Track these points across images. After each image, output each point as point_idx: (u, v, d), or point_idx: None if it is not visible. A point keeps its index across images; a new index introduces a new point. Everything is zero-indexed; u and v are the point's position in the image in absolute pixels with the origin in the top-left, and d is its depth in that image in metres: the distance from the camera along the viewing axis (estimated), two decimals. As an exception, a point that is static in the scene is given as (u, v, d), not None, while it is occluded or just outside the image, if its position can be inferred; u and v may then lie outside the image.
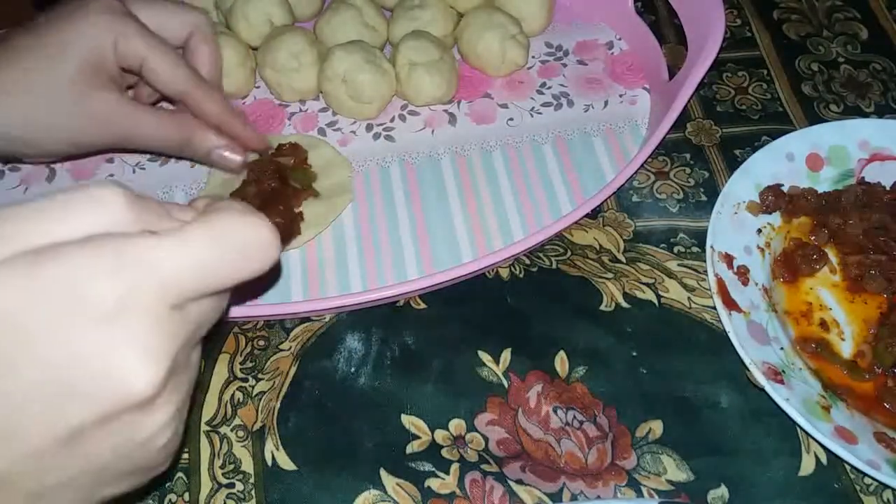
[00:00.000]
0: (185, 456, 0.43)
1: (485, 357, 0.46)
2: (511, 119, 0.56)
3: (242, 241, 0.27)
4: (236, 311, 0.46)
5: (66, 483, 0.25)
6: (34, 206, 0.24)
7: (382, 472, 0.42)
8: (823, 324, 0.46)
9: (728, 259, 0.47)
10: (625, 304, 0.48)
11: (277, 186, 0.50)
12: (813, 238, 0.49)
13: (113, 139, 0.47)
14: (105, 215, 0.24)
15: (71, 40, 0.44)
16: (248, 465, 0.42)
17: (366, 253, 0.50)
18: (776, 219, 0.50)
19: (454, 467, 0.42)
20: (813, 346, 0.45)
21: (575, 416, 0.43)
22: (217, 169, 0.52)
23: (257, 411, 0.44)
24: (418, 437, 0.43)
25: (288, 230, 0.48)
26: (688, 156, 0.55)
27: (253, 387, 0.45)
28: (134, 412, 0.24)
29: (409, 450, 0.42)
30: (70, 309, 0.23)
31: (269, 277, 0.28)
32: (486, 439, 0.43)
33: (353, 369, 0.45)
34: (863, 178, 0.51)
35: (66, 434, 0.24)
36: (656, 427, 0.43)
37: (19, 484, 0.24)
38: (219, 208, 0.27)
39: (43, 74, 0.44)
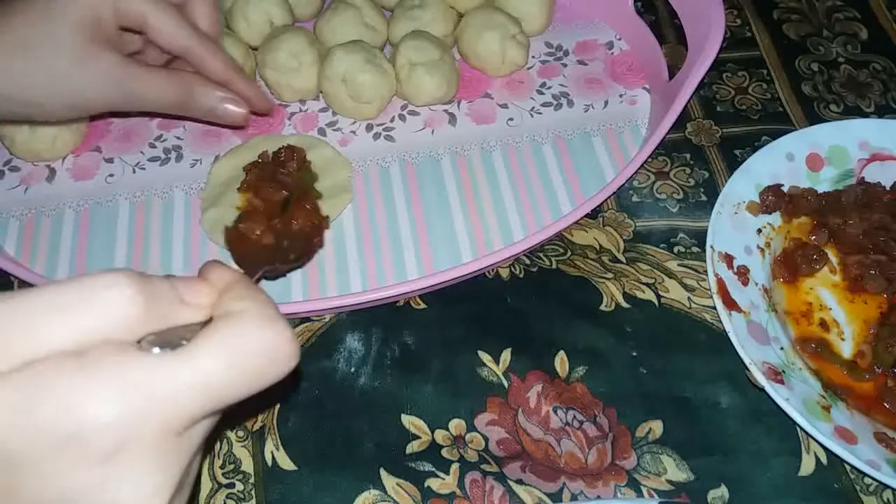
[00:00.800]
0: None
1: (485, 357, 0.46)
2: (511, 119, 0.56)
3: (260, 358, 0.24)
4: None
5: None
6: (32, 300, 0.22)
7: (382, 472, 0.42)
8: (823, 324, 0.46)
9: (728, 259, 0.47)
10: (625, 304, 0.48)
11: (294, 186, 0.49)
12: (813, 238, 0.49)
13: (113, 99, 0.46)
14: (110, 315, 0.23)
15: (68, 0, 0.43)
16: (248, 465, 0.42)
17: (366, 253, 0.50)
18: (776, 219, 0.50)
19: (454, 467, 0.42)
20: (813, 346, 0.45)
21: (575, 416, 0.43)
22: (221, 125, 0.50)
23: (257, 411, 0.44)
24: (418, 437, 0.43)
25: (319, 230, 0.48)
26: (688, 156, 0.55)
27: (253, 387, 0.45)
28: None
29: (409, 450, 0.42)
30: (66, 444, 0.21)
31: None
32: (486, 439, 0.43)
33: (353, 369, 0.45)
34: (863, 178, 0.51)
35: None
36: (656, 427, 0.43)
37: None
38: (235, 316, 0.24)
39: (40, 35, 0.43)
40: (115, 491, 0.22)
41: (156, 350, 0.23)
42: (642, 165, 0.51)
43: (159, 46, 0.48)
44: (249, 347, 0.24)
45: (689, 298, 0.48)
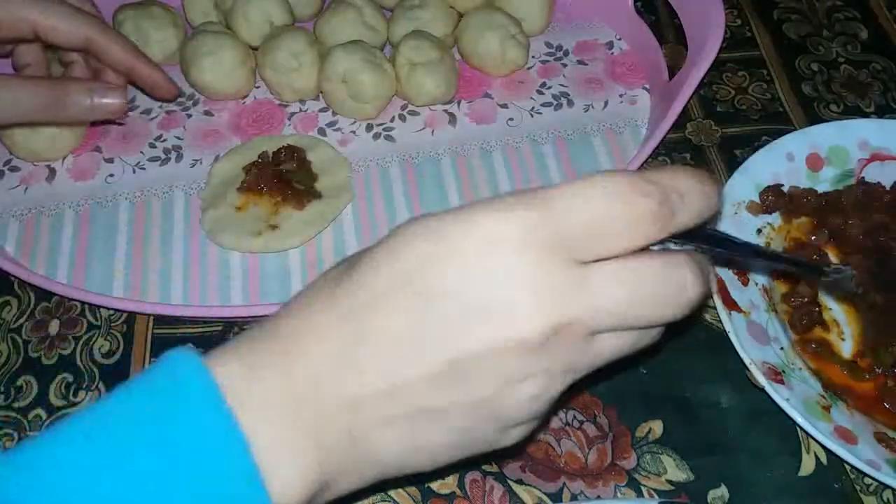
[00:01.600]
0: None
1: (485, 357, 0.46)
2: (511, 119, 0.56)
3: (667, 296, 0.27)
4: (236, 312, 0.46)
5: (439, 415, 0.27)
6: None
7: (382, 472, 0.42)
8: (823, 324, 0.46)
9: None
10: (625, 304, 0.48)
11: (290, 191, 0.50)
12: (813, 238, 0.49)
13: None
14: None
15: None
16: (248, 465, 0.42)
17: (366, 253, 0.50)
18: (776, 219, 0.50)
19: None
20: (813, 346, 0.45)
21: (575, 416, 0.43)
22: (100, 121, 0.51)
23: (257, 411, 0.44)
24: (418, 437, 0.43)
25: None
26: (688, 156, 0.55)
27: (253, 387, 0.45)
28: (512, 350, 0.25)
29: (409, 450, 0.42)
30: (493, 236, 0.25)
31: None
32: (486, 439, 0.43)
33: (353, 369, 0.45)
34: (863, 178, 0.51)
35: (454, 358, 0.25)
36: (656, 427, 0.43)
37: (401, 401, 0.26)
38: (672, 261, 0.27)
39: None
40: (520, 289, 0.25)
41: None
42: (642, 165, 0.51)
43: (57, 46, 0.47)
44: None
45: (689, 298, 0.48)
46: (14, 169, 0.54)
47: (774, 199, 0.49)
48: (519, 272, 0.25)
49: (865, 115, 0.57)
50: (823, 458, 0.42)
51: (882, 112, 0.57)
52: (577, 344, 0.26)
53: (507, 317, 0.25)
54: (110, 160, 0.55)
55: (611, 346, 0.28)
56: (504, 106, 0.57)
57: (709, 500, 0.41)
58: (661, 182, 0.26)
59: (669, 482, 0.41)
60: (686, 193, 0.27)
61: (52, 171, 0.54)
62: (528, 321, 0.25)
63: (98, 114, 0.48)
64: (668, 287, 0.27)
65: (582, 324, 0.26)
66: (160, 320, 0.47)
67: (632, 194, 0.26)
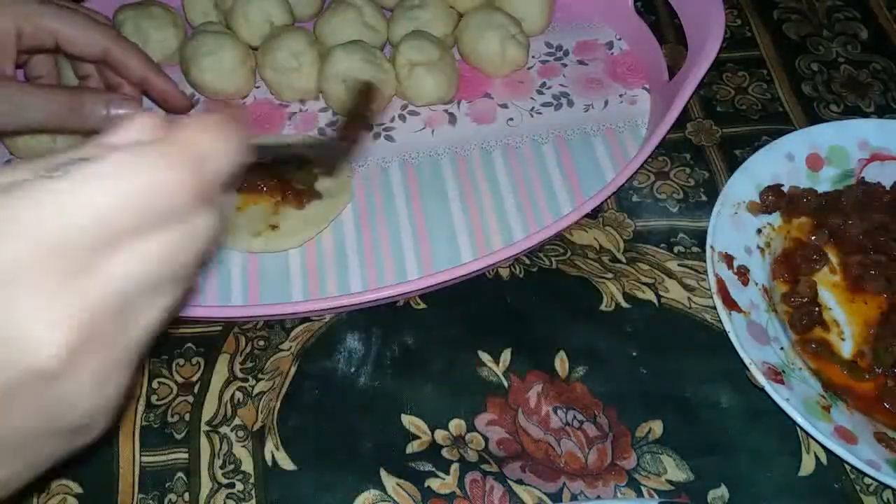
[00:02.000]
0: (185, 456, 0.43)
1: (485, 357, 0.46)
2: (511, 119, 0.56)
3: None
4: (236, 312, 0.46)
5: None
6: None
7: (382, 472, 0.42)
8: (823, 324, 0.46)
9: (728, 259, 0.47)
10: (625, 305, 0.48)
11: (289, 191, 0.50)
12: (813, 238, 0.49)
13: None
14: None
15: None
16: (248, 465, 0.42)
17: (366, 253, 0.50)
18: (776, 219, 0.50)
19: (454, 467, 0.42)
20: (813, 346, 0.45)
21: (575, 416, 0.43)
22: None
23: (257, 411, 0.44)
24: (418, 437, 0.43)
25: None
26: (688, 156, 0.55)
27: (253, 387, 0.45)
28: (36, 382, 0.21)
29: (409, 450, 0.42)
30: None
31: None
32: (486, 439, 0.43)
33: (353, 369, 0.45)
34: (863, 178, 0.51)
35: None
36: (656, 427, 0.43)
37: None
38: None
39: None
40: (10, 316, 0.20)
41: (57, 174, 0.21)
42: (642, 165, 0.50)
43: (76, 56, 0.47)
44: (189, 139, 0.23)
45: (689, 298, 0.48)
46: (14, 169, 0.54)
47: (774, 199, 0.49)
48: (17, 297, 0.20)
49: (865, 115, 0.57)
50: (823, 458, 0.42)
51: (882, 112, 0.57)
52: (129, 325, 0.23)
53: (11, 354, 0.20)
54: (110, 160, 0.55)
55: (151, 312, 0.24)
56: (504, 106, 0.57)
57: (709, 500, 0.41)
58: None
59: (669, 482, 0.41)
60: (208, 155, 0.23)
61: (52, 171, 0.54)
62: (42, 351, 0.20)
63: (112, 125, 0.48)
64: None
65: (125, 302, 0.22)
66: (160, 320, 0.47)
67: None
